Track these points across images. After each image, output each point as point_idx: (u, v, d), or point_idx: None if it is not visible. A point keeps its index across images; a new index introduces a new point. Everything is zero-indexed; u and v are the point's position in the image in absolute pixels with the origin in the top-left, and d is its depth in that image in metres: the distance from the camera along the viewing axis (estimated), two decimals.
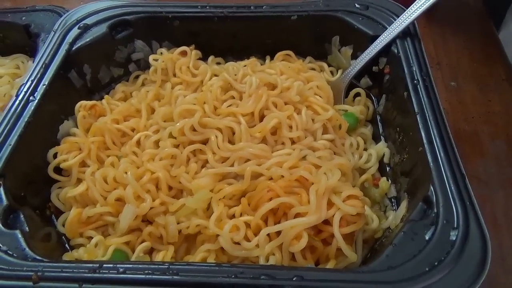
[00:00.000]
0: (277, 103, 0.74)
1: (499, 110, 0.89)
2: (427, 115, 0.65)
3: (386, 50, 0.78)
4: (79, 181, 0.71)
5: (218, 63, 0.92)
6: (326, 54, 0.91)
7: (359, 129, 0.80)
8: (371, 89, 0.85)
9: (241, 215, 0.64)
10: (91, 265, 0.52)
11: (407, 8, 0.78)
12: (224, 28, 0.89)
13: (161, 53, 0.88)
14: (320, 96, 0.79)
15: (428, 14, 1.00)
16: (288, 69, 0.83)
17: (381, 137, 0.79)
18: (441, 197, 0.56)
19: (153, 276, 0.50)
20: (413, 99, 0.68)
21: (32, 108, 0.70)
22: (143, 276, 0.51)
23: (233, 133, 0.71)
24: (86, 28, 0.84)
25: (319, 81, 0.82)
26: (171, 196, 0.68)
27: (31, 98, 0.72)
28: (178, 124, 0.71)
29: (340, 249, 0.59)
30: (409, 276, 0.49)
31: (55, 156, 0.72)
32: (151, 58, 0.87)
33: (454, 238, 0.52)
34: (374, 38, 0.80)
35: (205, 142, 0.72)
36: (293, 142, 0.71)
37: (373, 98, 0.85)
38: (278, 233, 0.60)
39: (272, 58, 0.91)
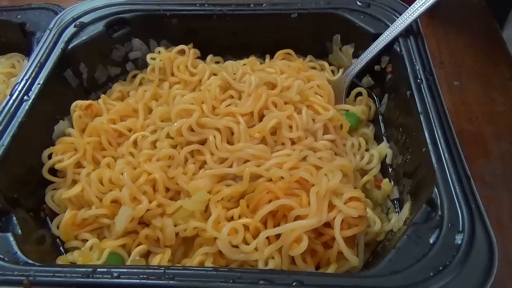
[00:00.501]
0: (277, 103, 0.72)
1: (503, 110, 0.88)
2: (430, 114, 0.64)
3: (388, 48, 0.78)
4: (74, 182, 0.70)
5: (217, 62, 0.91)
6: (327, 52, 0.90)
7: (360, 129, 0.79)
8: (373, 89, 0.84)
9: (239, 217, 0.62)
10: (84, 269, 0.51)
11: (409, 6, 0.77)
12: (223, 26, 0.88)
13: (159, 51, 0.87)
14: (320, 96, 0.78)
15: (431, 13, 1.00)
16: (288, 68, 0.82)
17: (383, 137, 0.78)
18: (445, 199, 0.54)
19: (148, 281, 0.49)
20: (416, 99, 0.67)
21: (26, 107, 0.70)
22: (138, 281, 0.49)
23: (232, 134, 0.70)
24: (82, 27, 0.83)
25: (320, 80, 0.81)
26: (168, 197, 0.67)
27: (25, 97, 0.71)
28: (175, 124, 0.70)
29: (341, 253, 0.58)
30: (412, 281, 0.48)
31: (50, 156, 0.71)
32: (148, 57, 0.86)
33: (459, 242, 0.51)
34: (376, 36, 0.79)
35: (203, 142, 0.70)
36: (293, 143, 0.70)
37: (375, 97, 0.84)
38: (278, 236, 0.59)
39: (272, 57, 0.90)
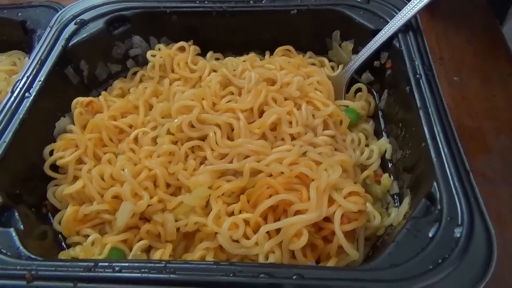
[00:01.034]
0: (277, 99, 0.73)
1: (503, 105, 0.88)
2: (430, 110, 0.64)
3: (387, 44, 0.77)
4: (76, 178, 0.70)
5: (217, 59, 0.91)
6: (326, 49, 0.90)
7: (360, 125, 0.79)
8: (373, 84, 0.84)
9: (240, 212, 0.63)
10: (86, 263, 0.51)
11: (409, 2, 0.77)
12: (223, 23, 0.88)
13: (159, 48, 0.87)
14: (320, 92, 0.78)
15: (431, 8, 1.00)
16: (288, 64, 0.82)
17: (383, 133, 0.78)
18: (444, 193, 0.54)
19: (150, 275, 0.49)
20: (416, 94, 0.67)
21: (28, 104, 0.70)
22: (139, 274, 0.50)
23: (232, 129, 0.70)
24: (82, 24, 0.83)
25: (320, 76, 0.81)
26: (169, 193, 0.67)
27: (26, 94, 0.71)
28: (176, 120, 0.70)
29: (341, 247, 0.58)
30: (412, 274, 0.48)
31: (51, 153, 0.72)
32: (149, 54, 0.86)
33: (458, 235, 0.51)
34: (375, 32, 0.79)
35: (203, 138, 0.71)
36: (293, 138, 0.70)
37: (375, 93, 0.84)
38: (278, 230, 0.59)
39: (272, 54, 0.90)
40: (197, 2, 0.87)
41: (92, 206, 0.66)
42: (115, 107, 0.79)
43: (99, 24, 0.84)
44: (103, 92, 0.83)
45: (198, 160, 0.69)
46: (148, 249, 0.65)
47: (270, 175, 0.64)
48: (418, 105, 0.65)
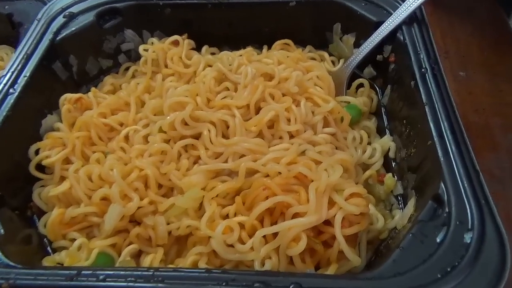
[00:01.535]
0: (275, 95, 0.71)
1: (511, 100, 0.86)
2: (436, 105, 0.62)
3: (391, 37, 0.76)
4: (63, 179, 0.68)
5: (213, 53, 0.89)
6: (327, 42, 0.89)
7: (362, 122, 0.78)
8: (375, 79, 0.83)
9: (235, 215, 0.61)
10: (68, 271, 0.49)
11: None
12: (219, 16, 0.87)
13: (152, 43, 0.85)
14: (320, 87, 0.77)
15: (435, 0, 0.97)
16: (286, 59, 0.80)
17: (386, 130, 0.77)
18: (453, 195, 0.52)
19: (136, 284, 0.47)
20: (421, 89, 0.65)
21: (12, 101, 0.68)
22: (125, 283, 0.47)
23: (227, 127, 0.69)
24: (71, 17, 0.82)
25: (320, 71, 0.79)
26: (161, 194, 0.66)
27: (10, 90, 0.69)
28: (168, 117, 0.69)
29: (342, 252, 0.56)
30: (418, 283, 0.46)
31: (37, 152, 0.70)
32: (141, 48, 0.84)
33: (468, 241, 0.48)
34: (378, 24, 0.78)
35: (197, 136, 0.69)
36: (291, 136, 0.68)
37: (377, 89, 0.83)
38: (275, 234, 0.57)
39: (269, 48, 0.89)
40: None
41: (79, 208, 0.64)
42: (105, 104, 0.77)
43: (89, 17, 0.82)
44: (93, 88, 0.81)
45: (191, 160, 0.68)
46: (138, 254, 0.63)
47: (267, 176, 0.62)
48: (424, 100, 0.63)
